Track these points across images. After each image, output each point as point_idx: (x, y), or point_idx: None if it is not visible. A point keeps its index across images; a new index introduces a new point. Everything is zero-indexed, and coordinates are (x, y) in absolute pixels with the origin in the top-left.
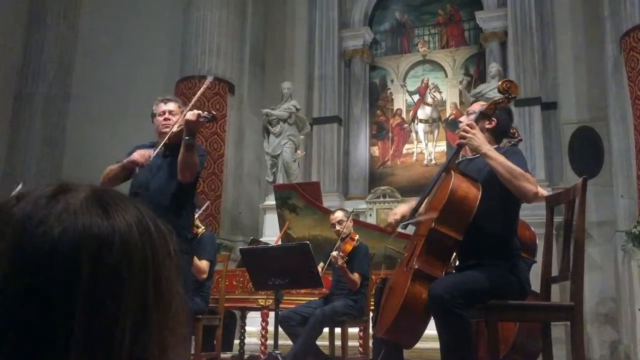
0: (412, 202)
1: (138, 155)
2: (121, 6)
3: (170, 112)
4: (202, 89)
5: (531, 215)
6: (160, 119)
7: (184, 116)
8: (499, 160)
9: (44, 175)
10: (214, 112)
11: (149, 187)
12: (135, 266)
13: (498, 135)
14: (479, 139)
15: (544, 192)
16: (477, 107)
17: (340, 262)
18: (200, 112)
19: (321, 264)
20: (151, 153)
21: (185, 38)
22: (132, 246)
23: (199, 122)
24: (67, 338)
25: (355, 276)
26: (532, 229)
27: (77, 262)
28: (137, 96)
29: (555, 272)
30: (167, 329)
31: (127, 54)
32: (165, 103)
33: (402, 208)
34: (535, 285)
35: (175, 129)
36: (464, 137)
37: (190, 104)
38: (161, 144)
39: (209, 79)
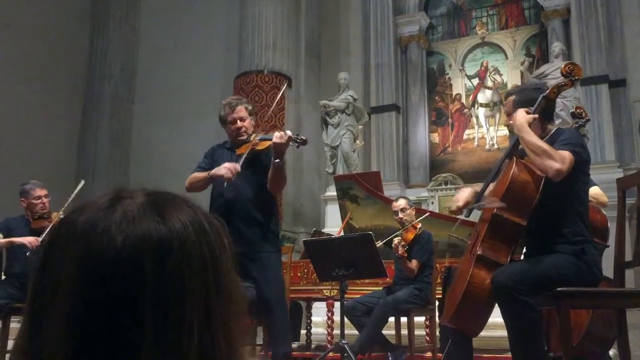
0: (474, 187)
1: (227, 170)
2: (178, 8)
3: (241, 119)
4: (279, 94)
5: None
6: (233, 127)
7: (273, 137)
8: (525, 139)
9: (113, 174)
10: (304, 137)
11: (237, 203)
12: (195, 264)
13: (546, 116)
14: (517, 122)
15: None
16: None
17: (400, 250)
18: (291, 135)
19: (378, 242)
20: (237, 167)
21: (241, 34)
22: (190, 246)
23: (288, 145)
24: (137, 343)
25: (413, 263)
26: (603, 212)
27: (141, 268)
28: (196, 95)
29: (629, 256)
30: (232, 319)
31: (186, 55)
32: (233, 109)
33: (465, 194)
34: (609, 270)
35: (257, 140)
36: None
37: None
38: (243, 158)
39: (284, 86)
